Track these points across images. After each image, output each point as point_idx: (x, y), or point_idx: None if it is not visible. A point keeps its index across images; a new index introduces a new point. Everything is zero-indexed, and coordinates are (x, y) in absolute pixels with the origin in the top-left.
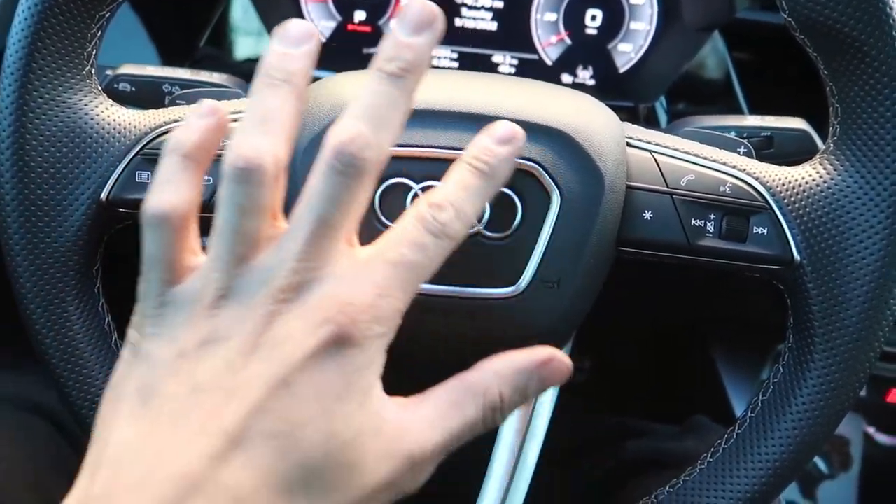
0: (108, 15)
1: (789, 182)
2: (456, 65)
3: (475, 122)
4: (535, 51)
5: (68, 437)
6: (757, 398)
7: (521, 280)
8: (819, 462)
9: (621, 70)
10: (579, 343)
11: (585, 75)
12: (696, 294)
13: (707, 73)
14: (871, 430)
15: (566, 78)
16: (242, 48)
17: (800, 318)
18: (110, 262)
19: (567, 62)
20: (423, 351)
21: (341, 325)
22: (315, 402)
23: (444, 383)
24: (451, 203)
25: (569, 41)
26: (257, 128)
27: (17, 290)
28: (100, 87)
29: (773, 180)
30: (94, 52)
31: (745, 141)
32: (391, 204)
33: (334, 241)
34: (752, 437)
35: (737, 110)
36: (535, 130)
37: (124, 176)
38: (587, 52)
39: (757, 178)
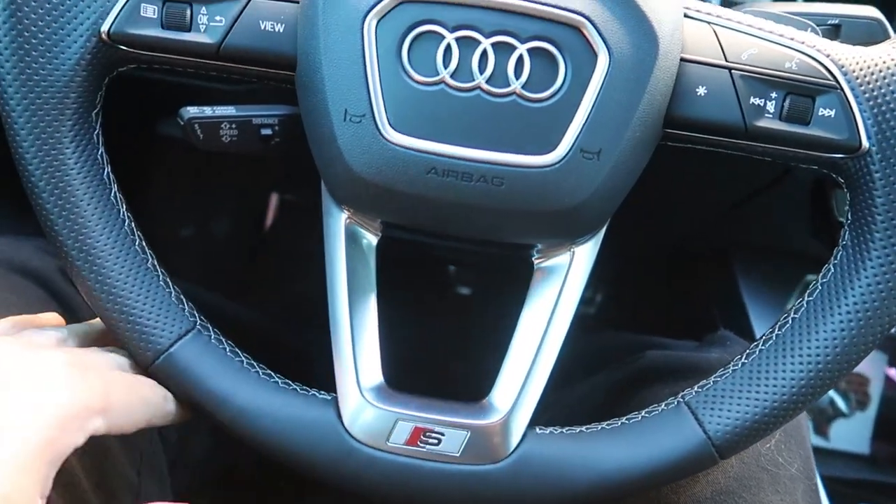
0: None
1: (864, 61)
2: None
3: None
4: None
5: (62, 303)
6: (801, 300)
7: (558, 147)
8: (837, 399)
9: None
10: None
11: None
12: (724, 217)
13: None
14: (892, 371)
15: None
16: None
17: (859, 212)
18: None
19: None
20: (439, 222)
21: None
22: None
23: None
24: None
25: None
26: None
27: (10, 131)
28: None
29: (846, 59)
30: None
31: (811, 23)
32: (421, 55)
33: None
34: (794, 338)
35: None
36: None
37: (128, 7)
38: None
39: (828, 55)
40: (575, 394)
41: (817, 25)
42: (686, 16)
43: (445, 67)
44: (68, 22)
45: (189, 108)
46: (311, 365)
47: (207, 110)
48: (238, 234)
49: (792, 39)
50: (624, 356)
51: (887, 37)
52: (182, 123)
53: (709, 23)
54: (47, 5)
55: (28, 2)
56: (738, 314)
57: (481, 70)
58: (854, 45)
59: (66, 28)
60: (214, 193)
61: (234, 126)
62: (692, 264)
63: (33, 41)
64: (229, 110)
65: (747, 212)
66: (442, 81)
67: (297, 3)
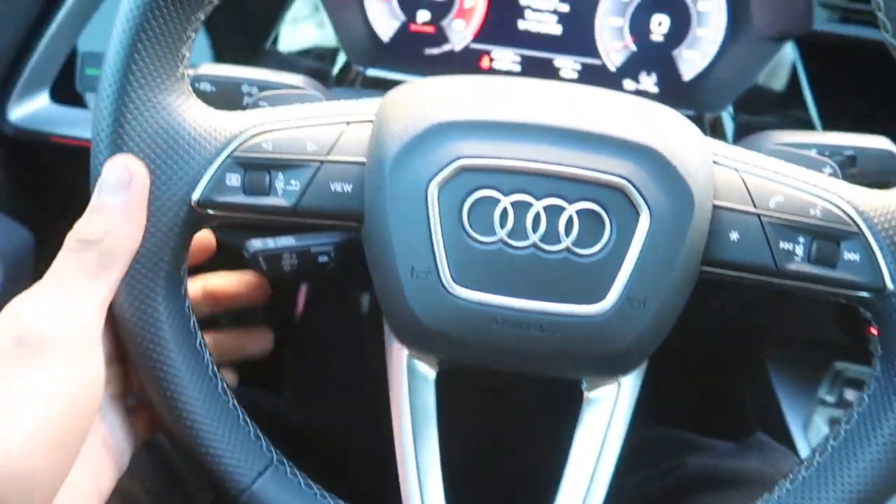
0: (202, 17)
1: (883, 207)
2: (518, 68)
3: (565, 136)
4: (598, 56)
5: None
6: (839, 427)
7: (607, 297)
8: None
9: (686, 78)
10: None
11: (649, 82)
12: (755, 310)
13: (775, 82)
14: None
15: (629, 84)
16: (289, 36)
17: (890, 347)
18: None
19: (631, 68)
20: (503, 365)
21: None
22: None
23: None
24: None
25: (633, 47)
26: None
27: None
28: (191, 88)
29: (866, 204)
30: (187, 54)
31: (829, 161)
32: (479, 218)
33: None
34: (834, 467)
35: (806, 122)
36: (624, 147)
37: (214, 178)
38: (651, 58)
39: (849, 202)
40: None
41: (833, 156)
42: (715, 162)
43: (502, 228)
44: (163, 194)
45: (254, 241)
46: (372, 471)
47: (270, 242)
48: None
49: (815, 186)
50: (662, 454)
51: None
52: (248, 256)
53: (736, 169)
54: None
55: None
56: (770, 406)
57: (535, 230)
58: (870, 174)
59: (162, 199)
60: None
61: (294, 256)
62: (722, 356)
63: None
64: (289, 241)
65: (777, 303)
66: (500, 241)
67: (364, 164)
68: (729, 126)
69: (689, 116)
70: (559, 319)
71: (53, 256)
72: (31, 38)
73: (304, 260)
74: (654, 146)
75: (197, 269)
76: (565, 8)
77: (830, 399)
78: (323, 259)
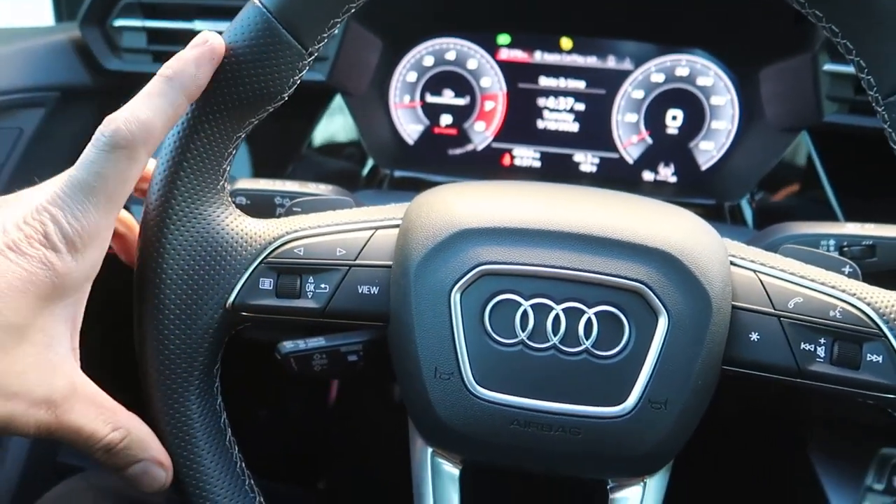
0: (243, 136)
1: None
2: (539, 164)
3: (582, 242)
4: (616, 150)
5: None
6: None
7: (628, 399)
8: None
9: (703, 168)
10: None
11: (667, 173)
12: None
13: (794, 170)
14: None
15: (647, 175)
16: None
17: None
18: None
19: (648, 160)
20: (526, 465)
21: None
22: None
23: None
24: (123, 113)
25: (650, 140)
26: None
27: (145, 388)
28: (230, 199)
29: (886, 306)
30: (228, 169)
31: (849, 262)
32: (501, 320)
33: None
34: None
35: (826, 207)
36: (642, 252)
37: (249, 283)
38: (668, 150)
39: (869, 304)
40: None
41: (852, 246)
42: (732, 263)
43: (523, 331)
44: (200, 298)
45: (286, 343)
46: None
47: (301, 344)
48: (309, 411)
49: (833, 287)
50: None
51: None
52: (279, 357)
53: (754, 271)
54: (186, 283)
55: (171, 276)
56: (816, 495)
57: (555, 332)
58: (890, 264)
59: (199, 303)
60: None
61: (324, 356)
62: (762, 443)
63: (171, 316)
64: (319, 342)
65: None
66: (521, 343)
67: (390, 267)
68: (748, 213)
69: (708, 206)
70: (580, 421)
71: (96, 338)
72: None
73: (334, 359)
74: (670, 251)
75: (228, 363)
76: (581, 107)
77: (878, 487)
78: (352, 358)
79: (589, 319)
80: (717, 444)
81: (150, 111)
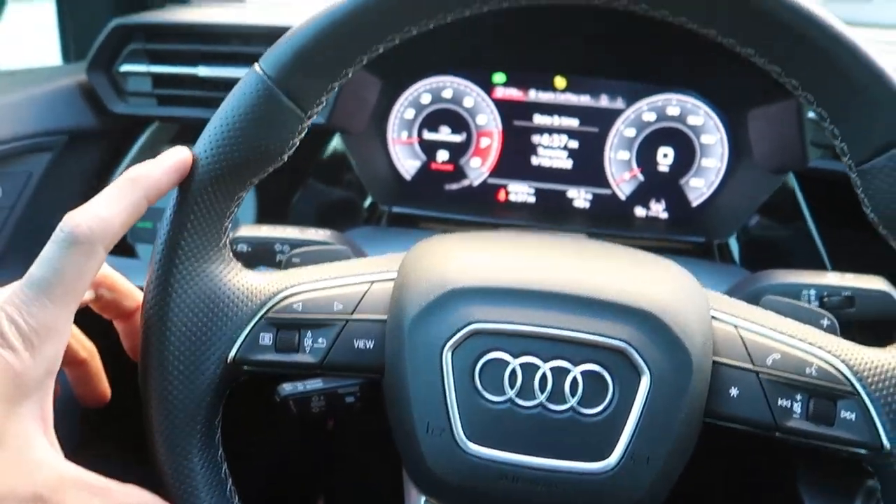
0: (244, 194)
1: (877, 367)
2: (533, 199)
3: (569, 302)
4: (609, 186)
5: None
6: None
7: (612, 455)
8: None
9: (694, 204)
10: None
11: (658, 209)
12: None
13: (782, 209)
14: None
15: (640, 211)
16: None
17: (891, 500)
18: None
19: (640, 197)
20: None
21: None
22: None
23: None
24: (84, 211)
25: (641, 177)
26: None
27: (150, 441)
28: (232, 254)
29: (860, 364)
30: (229, 227)
31: (828, 314)
32: (490, 378)
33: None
34: None
35: (813, 246)
36: (625, 312)
37: (249, 338)
38: (659, 187)
39: (843, 361)
40: None
41: (832, 296)
42: (714, 317)
43: (511, 388)
44: (202, 353)
45: (285, 385)
46: None
47: (300, 386)
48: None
49: (811, 344)
50: None
51: None
52: (278, 399)
53: (735, 325)
54: (188, 339)
55: (175, 334)
56: None
57: (542, 390)
58: (867, 314)
59: (201, 359)
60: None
61: (322, 398)
62: (750, 478)
63: (175, 373)
64: (317, 384)
65: None
66: (509, 400)
67: (385, 321)
68: (736, 251)
69: (698, 243)
70: (566, 476)
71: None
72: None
73: (332, 401)
74: (653, 310)
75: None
76: (575, 144)
77: None
78: (350, 399)
79: (575, 378)
80: (703, 482)
81: (111, 209)
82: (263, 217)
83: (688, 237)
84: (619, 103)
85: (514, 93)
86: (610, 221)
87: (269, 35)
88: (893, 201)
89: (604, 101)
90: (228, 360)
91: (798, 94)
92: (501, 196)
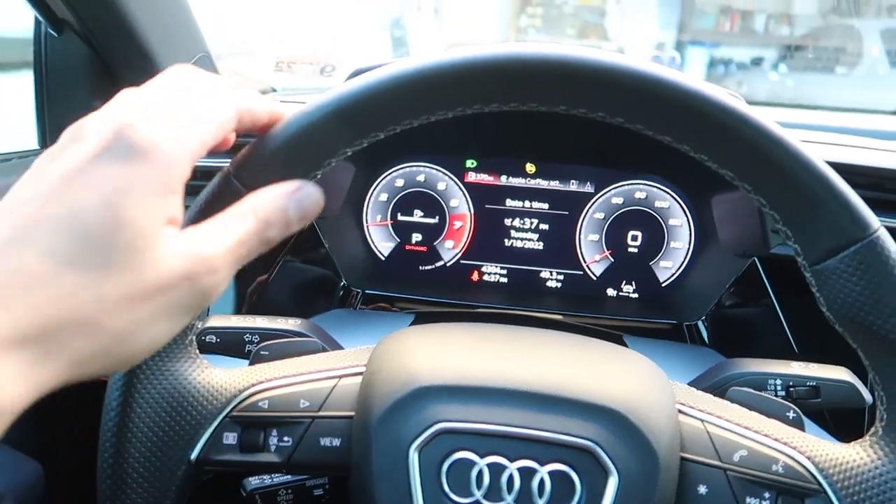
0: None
1: (842, 464)
2: (506, 280)
3: (535, 401)
4: (580, 267)
5: None
6: None
7: None
8: None
9: (663, 284)
10: None
11: (629, 289)
12: None
13: (750, 292)
14: None
15: (611, 291)
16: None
17: None
18: None
19: (611, 277)
20: None
21: (130, 127)
22: (101, 188)
23: (220, 214)
24: None
25: (612, 259)
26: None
27: None
28: (197, 351)
29: (826, 461)
30: (197, 324)
31: (793, 406)
32: (457, 478)
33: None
34: None
35: (781, 333)
36: (592, 410)
37: (213, 437)
38: (630, 268)
39: (809, 458)
40: None
41: (797, 386)
42: (681, 412)
43: (479, 489)
44: (164, 454)
45: (251, 479)
46: None
47: (267, 479)
48: None
49: (776, 440)
50: None
51: (862, 400)
52: (244, 494)
53: (701, 420)
54: (150, 439)
55: (135, 433)
56: None
57: (509, 491)
58: (832, 404)
59: (163, 459)
60: None
61: (290, 491)
62: None
63: (134, 475)
64: (285, 477)
65: None
66: (476, 502)
67: (352, 418)
68: (705, 333)
69: (669, 325)
70: None
71: (63, 489)
72: None
73: (300, 494)
74: (618, 409)
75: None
76: (546, 226)
77: None
78: (318, 492)
79: (542, 479)
80: None
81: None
82: (240, 300)
83: (659, 319)
84: (588, 187)
85: (485, 177)
86: (582, 302)
87: None
88: (847, 302)
89: (573, 186)
90: (191, 461)
91: (751, 197)
92: (475, 276)
